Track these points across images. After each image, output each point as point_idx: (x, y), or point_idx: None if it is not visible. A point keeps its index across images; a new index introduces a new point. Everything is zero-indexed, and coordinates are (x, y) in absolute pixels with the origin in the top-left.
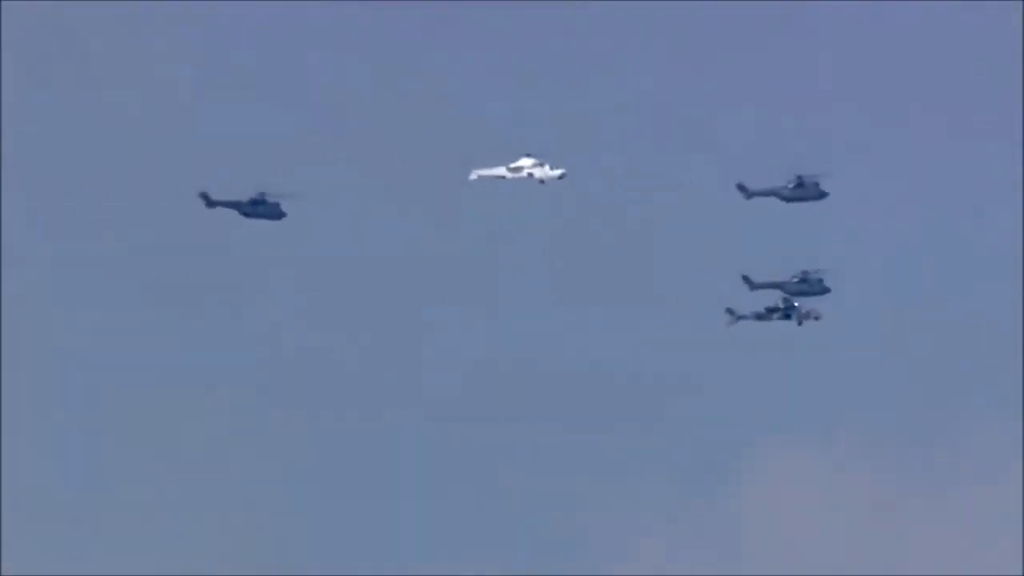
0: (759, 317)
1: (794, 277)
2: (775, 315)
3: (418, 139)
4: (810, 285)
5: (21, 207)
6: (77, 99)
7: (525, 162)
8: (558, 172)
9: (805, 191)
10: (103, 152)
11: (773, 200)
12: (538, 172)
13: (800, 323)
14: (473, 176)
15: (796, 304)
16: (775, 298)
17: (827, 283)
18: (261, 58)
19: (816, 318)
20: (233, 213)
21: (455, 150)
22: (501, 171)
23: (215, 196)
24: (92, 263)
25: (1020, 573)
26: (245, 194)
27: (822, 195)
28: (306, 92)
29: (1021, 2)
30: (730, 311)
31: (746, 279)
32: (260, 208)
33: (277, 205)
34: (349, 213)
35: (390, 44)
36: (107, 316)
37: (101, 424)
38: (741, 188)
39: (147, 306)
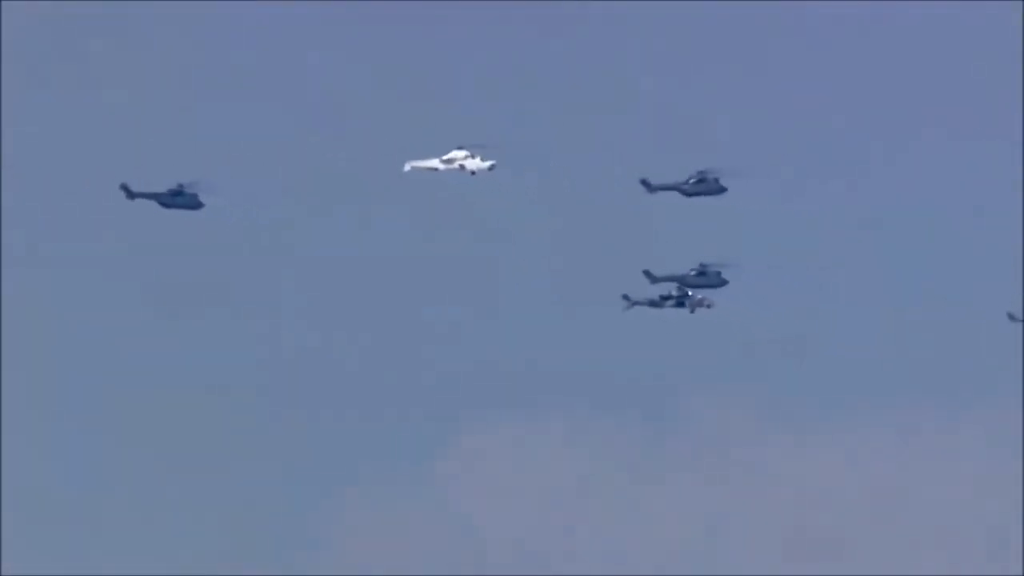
0: (653, 304)
1: (692, 270)
2: (669, 303)
3: (355, 131)
4: (708, 278)
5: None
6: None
7: (457, 154)
8: (488, 164)
9: (706, 186)
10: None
11: (675, 195)
12: (469, 164)
13: (693, 311)
14: (407, 167)
15: (689, 293)
16: (671, 286)
17: (724, 276)
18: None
19: (708, 306)
20: (153, 204)
21: (389, 142)
22: (434, 163)
23: (136, 188)
24: (84, 261)
25: (1020, 573)
26: (165, 186)
27: (722, 190)
28: (241, 86)
29: (1021, 2)
30: (626, 297)
31: (647, 273)
32: (179, 199)
33: (195, 196)
34: (289, 203)
35: (339, 37)
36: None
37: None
38: (644, 183)
39: (140, 306)
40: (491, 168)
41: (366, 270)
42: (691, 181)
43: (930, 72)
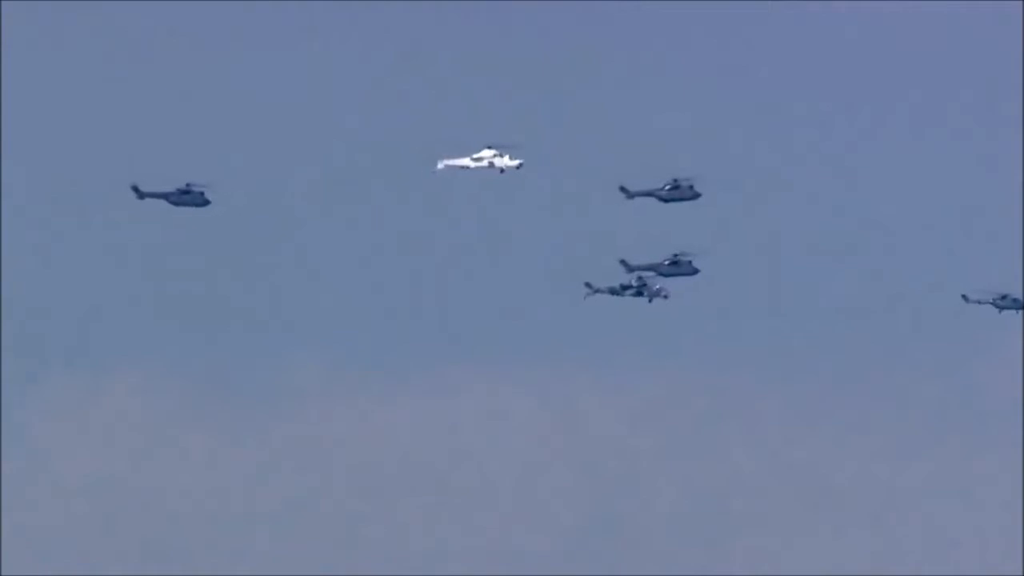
0: (613, 292)
1: (666, 260)
2: (628, 291)
3: (391, 131)
4: (680, 267)
5: None
6: None
7: (486, 153)
8: (516, 162)
9: (680, 192)
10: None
11: (652, 200)
12: (498, 162)
13: (651, 300)
14: (440, 165)
15: (647, 283)
16: (633, 277)
17: (696, 265)
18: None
19: (665, 296)
20: (162, 203)
21: (425, 141)
22: (465, 161)
23: (145, 188)
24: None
25: (1020, 573)
26: (174, 185)
27: (696, 196)
28: (277, 87)
29: (1021, 2)
30: (588, 285)
31: (623, 262)
32: (186, 197)
33: (202, 194)
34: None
35: (362, 39)
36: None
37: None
38: (623, 190)
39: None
40: (519, 166)
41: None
42: (666, 188)
43: (929, 72)
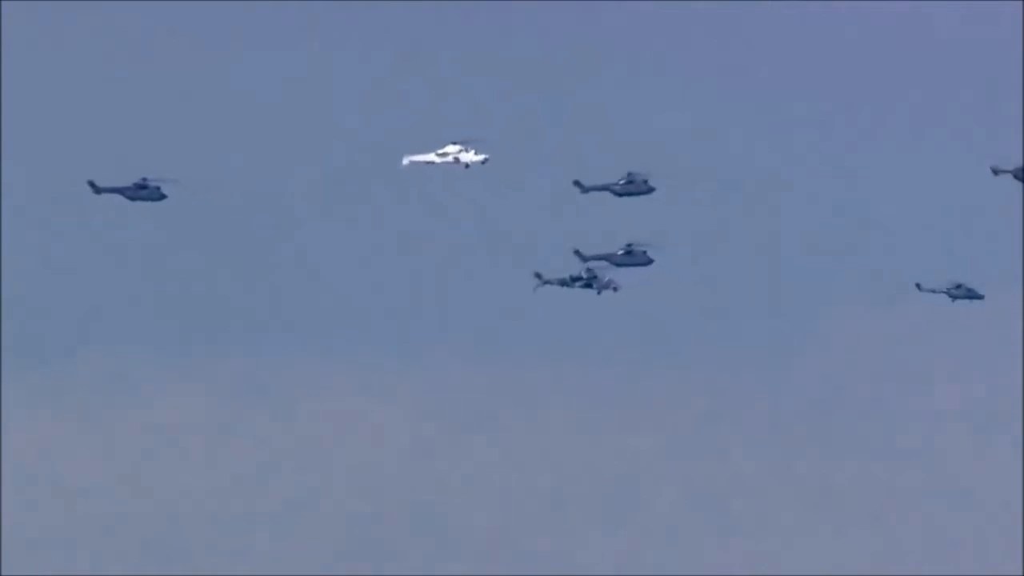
0: (563, 284)
1: (620, 250)
2: (578, 283)
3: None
4: (634, 257)
5: None
6: None
7: (451, 148)
8: (481, 157)
9: (635, 187)
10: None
11: (606, 195)
12: (463, 157)
13: (600, 292)
14: (405, 161)
15: (597, 275)
16: (582, 269)
17: (650, 255)
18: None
19: (615, 289)
20: (119, 198)
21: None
22: (431, 157)
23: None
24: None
25: (1020, 573)
26: (130, 180)
27: (650, 190)
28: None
29: (1021, 2)
30: (538, 275)
31: (577, 252)
32: (143, 192)
33: (158, 188)
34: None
35: (330, 36)
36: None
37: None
38: (577, 184)
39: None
40: (484, 161)
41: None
42: (621, 182)
43: (928, 72)
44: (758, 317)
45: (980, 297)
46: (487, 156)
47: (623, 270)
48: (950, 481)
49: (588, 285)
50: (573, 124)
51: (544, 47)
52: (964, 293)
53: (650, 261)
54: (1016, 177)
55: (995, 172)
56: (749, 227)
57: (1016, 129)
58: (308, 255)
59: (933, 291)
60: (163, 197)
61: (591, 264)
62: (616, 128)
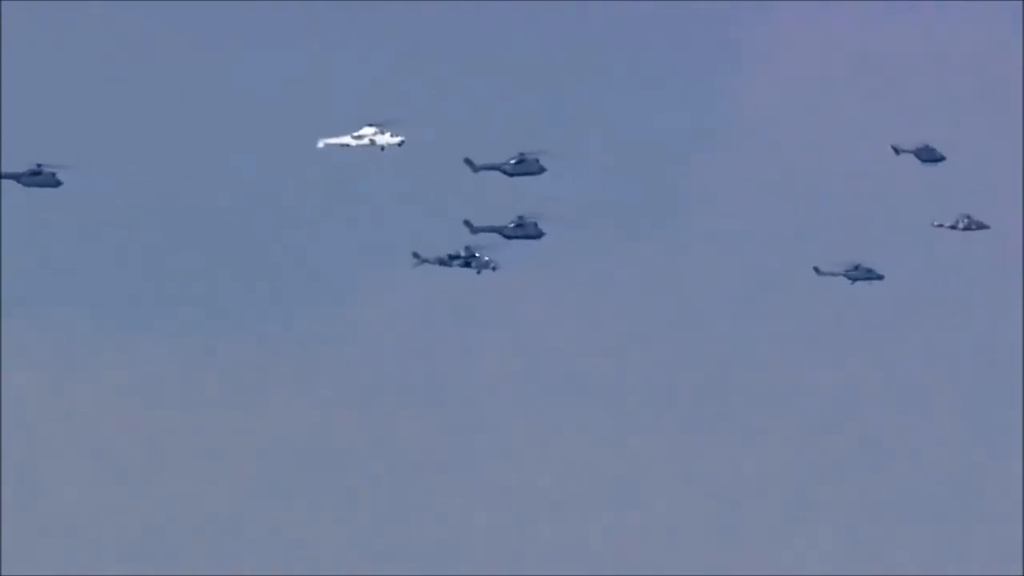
0: (442, 263)
1: (511, 222)
2: (457, 262)
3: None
4: (525, 229)
5: None
6: None
7: (367, 130)
8: (397, 139)
9: (526, 167)
10: None
11: (497, 174)
12: (379, 139)
13: (479, 272)
14: (320, 144)
15: (476, 254)
16: (459, 247)
17: (542, 227)
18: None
19: (494, 268)
20: (14, 184)
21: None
22: (346, 139)
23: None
24: None
25: (1020, 573)
26: (24, 166)
27: (541, 170)
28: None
29: (1021, 2)
30: (416, 255)
31: (467, 223)
32: (37, 178)
33: (53, 175)
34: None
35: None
36: None
37: None
38: (468, 162)
39: None
40: (400, 143)
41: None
42: (511, 162)
43: (927, 72)
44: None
45: (880, 278)
46: (403, 138)
47: (514, 242)
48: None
49: (467, 264)
50: (473, 104)
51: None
52: (863, 275)
53: (541, 234)
54: (918, 157)
55: (896, 151)
56: (645, 207)
57: (1017, 130)
58: (207, 238)
59: (832, 274)
60: (58, 183)
61: (481, 233)
62: (511, 108)
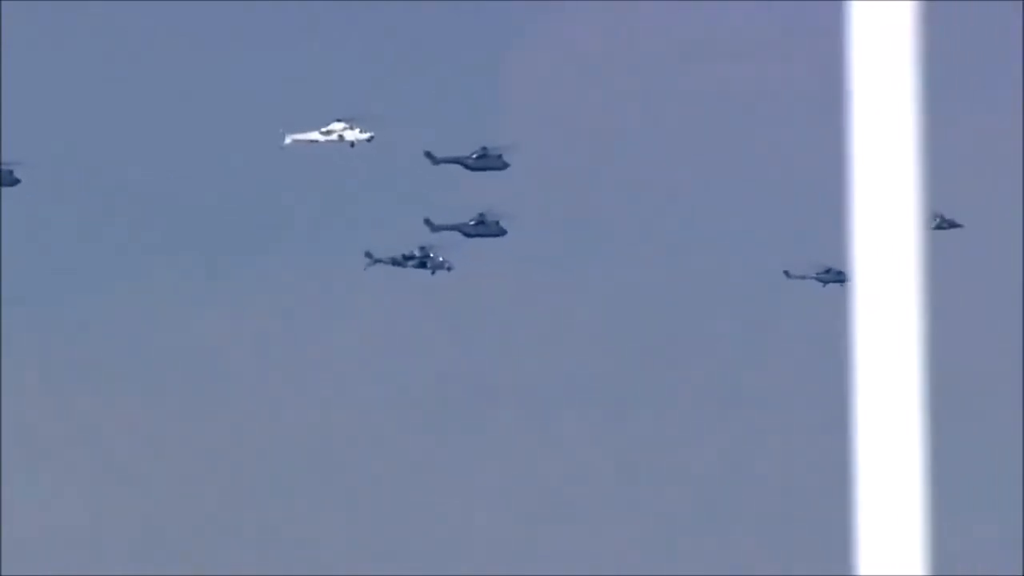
0: (395, 263)
1: (471, 220)
2: (411, 262)
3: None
4: (487, 227)
5: None
6: None
7: (336, 126)
8: (367, 135)
9: (488, 161)
10: None
11: (458, 168)
12: (348, 135)
13: (434, 272)
14: (287, 140)
15: (431, 254)
16: (413, 247)
17: (503, 225)
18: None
19: (449, 268)
20: None
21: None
22: (314, 135)
23: None
24: None
25: (1020, 573)
26: None
27: (504, 165)
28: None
29: (1021, 2)
30: (368, 255)
31: (427, 221)
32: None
33: (11, 172)
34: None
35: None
36: None
37: None
38: (428, 155)
39: None
40: (370, 139)
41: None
42: (473, 156)
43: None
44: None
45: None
46: (373, 134)
47: (475, 240)
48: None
49: (422, 264)
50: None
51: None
52: (834, 277)
53: (503, 231)
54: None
55: None
56: (612, 210)
57: (1016, 131)
58: (161, 230)
59: (802, 277)
60: (16, 182)
61: (440, 232)
62: (471, 102)
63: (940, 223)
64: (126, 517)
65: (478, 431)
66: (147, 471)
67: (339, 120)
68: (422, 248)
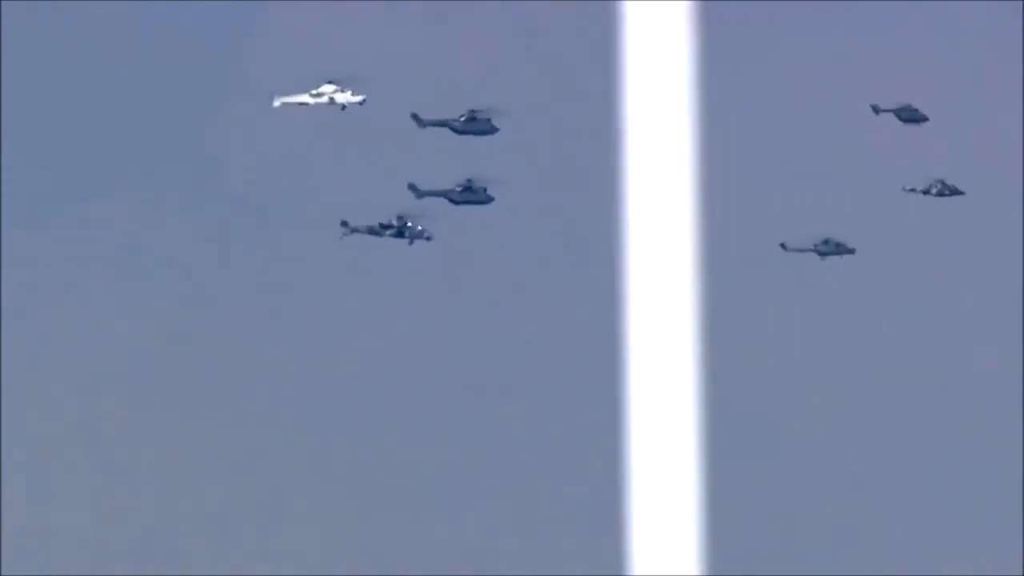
0: (372, 232)
1: (458, 186)
2: (388, 231)
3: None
4: (474, 193)
5: None
6: None
7: (327, 88)
8: (359, 98)
9: (476, 125)
10: None
11: (446, 131)
12: (339, 97)
13: (412, 242)
14: (277, 103)
15: (410, 224)
16: (391, 216)
17: (491, 192)
18: None
19: (428, 238)
20: None
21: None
22: (304, 98)
23: None
24: None
25: (1020, 573)
26: None
27: (493, 130)
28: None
29: (1021, 2)
30: (344, 223)
31: (412, 187)
32: None
33: None
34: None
35: None
36: None
37: None
38: (415, 118)
39: None
40: (362, 102)
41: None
42: (461, 119)
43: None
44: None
45: (851, 252)
46: (365, 96)
47: (461, 207)
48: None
49: (400, 234)
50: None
51: None
52: (833, 248)
53: (490, 199)
54: (899, 117)
55: (876, 111)
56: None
57: (1017, 131)
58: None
59: (800, 250)
60: None
61: (425, 198)
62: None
63: (941, 190)
64: (126, 517)
65: (460, 415)
66: (147, 471)
67: (330, 82)
68: (400, 217)
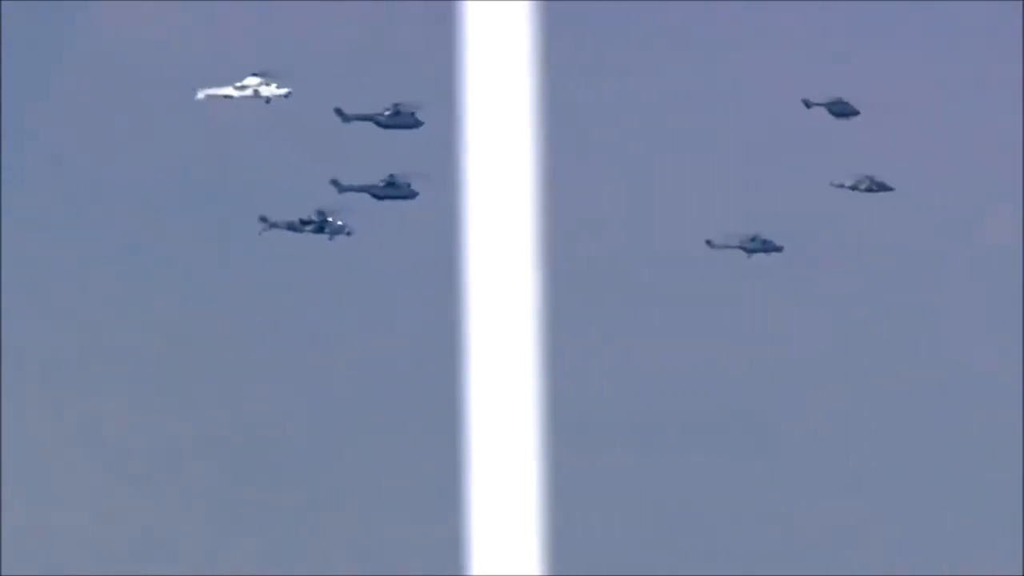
0: (292, 227)
1: (381, 181)
2: (308, 227)
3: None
4: (398, 189)
5: None
6: None
7: (251, 81)
8: (284, 91)
9: (400, 119)
10: None
11: (370, 125)
12: (264, 90)
13: (332, 237)
14: (200, 95)
15: (329, 218)
16: (311, 212)
17: (414, 187)
18: None
19: (348, 233)
20: None
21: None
22: (228, 90)
23: None
24: None
25: (1020, 573)
26: None
27: (417, 124)
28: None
29: (1021, 2)
30: (263, 219)
31: (334, 182)
32: None
33: None
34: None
35: None
36: None
37: None
38: (339, 112)
39: None
40: (287, 95)
41: None
42: (386, 113)
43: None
44: None
45: (778, 249)
46: (290, 89)
47: (385, 203)
48: None
49: (320, 229)
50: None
51: None
52: (760, 246)
53: (414, 194)
54: (831, 111)
55: (807, 105)
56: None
57: (1017, 132)
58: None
59: (726, 247)
60: None
61: (347, 193)
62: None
63: (869, 186)
64: (126, 517)
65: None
66: (147, 471)
67: (255, 75)
68: (319, 212)
